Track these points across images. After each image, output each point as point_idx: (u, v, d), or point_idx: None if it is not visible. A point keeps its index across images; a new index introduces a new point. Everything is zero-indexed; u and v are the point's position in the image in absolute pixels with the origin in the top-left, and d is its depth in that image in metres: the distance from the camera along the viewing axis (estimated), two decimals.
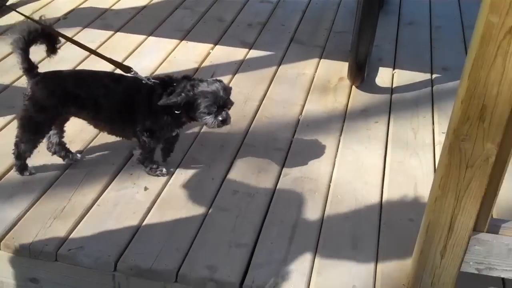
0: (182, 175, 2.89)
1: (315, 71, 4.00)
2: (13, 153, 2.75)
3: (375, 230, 2.65)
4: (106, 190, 2.75)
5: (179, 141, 2.96)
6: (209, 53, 4.12)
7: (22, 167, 2.78)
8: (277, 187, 2.86)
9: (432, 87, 3.91)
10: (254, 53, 4.16)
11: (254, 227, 2.60)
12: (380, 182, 2.94)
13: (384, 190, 2.90)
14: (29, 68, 2.59)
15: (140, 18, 4.55)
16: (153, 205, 2.68)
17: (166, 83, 2.67)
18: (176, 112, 2.63)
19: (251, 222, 2.63)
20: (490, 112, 1.86)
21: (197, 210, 2.67)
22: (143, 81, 2.66)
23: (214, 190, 2.80)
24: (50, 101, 2.64)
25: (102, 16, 4.58)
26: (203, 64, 3.96)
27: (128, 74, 2.70)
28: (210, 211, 2.68)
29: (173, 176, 2.88)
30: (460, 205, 2.05)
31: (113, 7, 4.73)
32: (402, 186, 2.93)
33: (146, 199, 2.70)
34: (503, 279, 2.42)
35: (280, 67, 4.02)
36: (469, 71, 1.82)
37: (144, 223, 2.58)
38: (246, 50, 4.19)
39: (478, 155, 1.94)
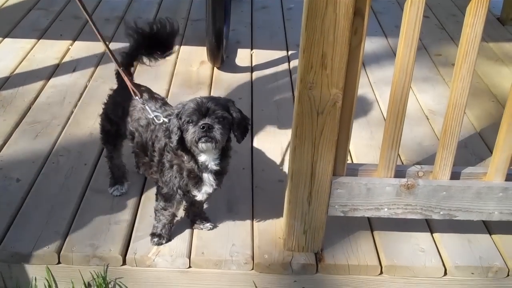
0: (54, 164, 2.90)
1: (177, 57, 4.11)
2: None
3: (249, 193, 2.80)
4: None
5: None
6: (68, 49, 4.12)
7: None
8: None
9: (289, 62, 4.14)
10: (114, 46, 4.09)
11: (132, 204, 2.67)
12: (249, 151, 3.10)
13: (254, 157, 3.06)
14: None
15: None
16: (27, 194, 2.68)
17: None
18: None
19: (129, 200, 2.69)
20: (331, 59, 2.04)
21: (73, 194, 2.70)
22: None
23: (88, 174, 2.84)
24: None
25: None
26: (64, 60, 3.96)
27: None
28: (86, 194, 2.71)
29: (45, 166, 2.88)
30: (317, 151, 2.23)
31: None
32: (270, 153, 3.11)
33: (20, 189, 2.69)
34: (368, 219, 2.63)
35: None
36: (306, 21, 1.99)
37: (20, 212, 2.58)
38: None
39: (326, 101, 2.12)
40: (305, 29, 2.02)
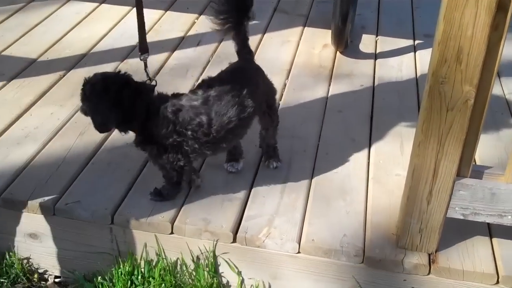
0: None
1: (300, 39, 4.07)
2: None
3: (364, 184, 2.73)
4: (99, 150, 2.82)
5: None
6: (194, 22, 4.18)
7: None
8: None
9: (415, 52, 3.99)
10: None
11: (246, 182, 2.67)
12: (367, 140, 3.02)
13: (371, 147, 2.98)
14: None
15: None
16: (147, 162, 2.74)
17: None
18: None
19: (243, 178, 2.70)
20: (467, 54, 1.93)
21: None
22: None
23: None
24: None
25: None
26: (189, 33, 4.02)
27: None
28: (202, 168, 2.75)
29: None
30: (443, 149, 2.12)
31: None
32: (388, 144, 3.01)
33: (140, 157, 2.74)
34: (488, 224, 2.49)
35: (265, 35, 4.09)
36: (444, 13, 1.88)
37: (139, 179, 2.65)
38: None
39: (458, 97, 2.01)
40: (442, 20, 1.92)
